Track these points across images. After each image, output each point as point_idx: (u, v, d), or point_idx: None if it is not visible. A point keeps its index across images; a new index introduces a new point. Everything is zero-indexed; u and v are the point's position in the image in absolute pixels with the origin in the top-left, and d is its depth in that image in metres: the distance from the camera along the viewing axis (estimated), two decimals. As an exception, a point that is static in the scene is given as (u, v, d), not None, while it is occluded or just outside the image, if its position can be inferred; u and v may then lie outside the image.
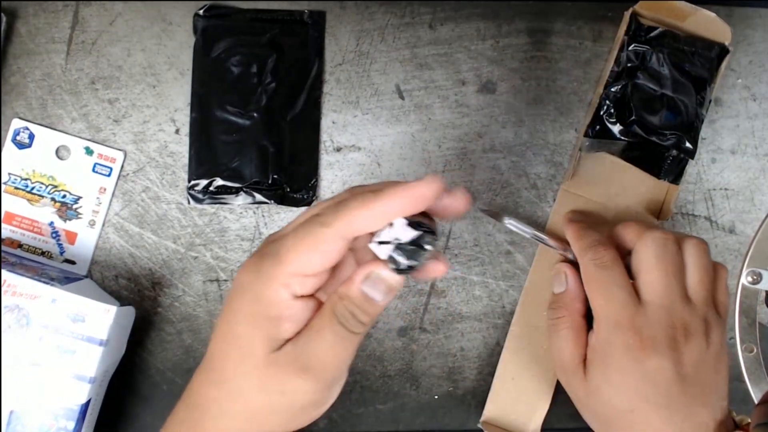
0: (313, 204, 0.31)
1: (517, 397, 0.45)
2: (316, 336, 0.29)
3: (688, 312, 0.36)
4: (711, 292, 0.37)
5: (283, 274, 0.28)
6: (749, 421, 0.36)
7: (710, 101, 0.45)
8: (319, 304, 0.30)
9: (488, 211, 0.45)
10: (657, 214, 0.45)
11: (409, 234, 0.28)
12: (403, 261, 0.28)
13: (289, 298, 0.28)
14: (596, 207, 0.45)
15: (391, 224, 0.28)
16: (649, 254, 0.37)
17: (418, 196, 0.28)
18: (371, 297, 0.29)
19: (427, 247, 0.28)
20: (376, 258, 0.29)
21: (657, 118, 0.43)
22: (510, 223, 0.44)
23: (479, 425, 0.45)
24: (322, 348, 0.29)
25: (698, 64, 0.44)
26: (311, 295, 0.30)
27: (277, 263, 0.28)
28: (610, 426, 0.37)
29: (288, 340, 0.29)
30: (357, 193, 0.29)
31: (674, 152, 0.44)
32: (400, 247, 0.28)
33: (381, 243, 0.29)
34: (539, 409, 0.45)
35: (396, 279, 0.30)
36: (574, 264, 0.41)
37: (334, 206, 0.28)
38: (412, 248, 0.28)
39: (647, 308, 0.36)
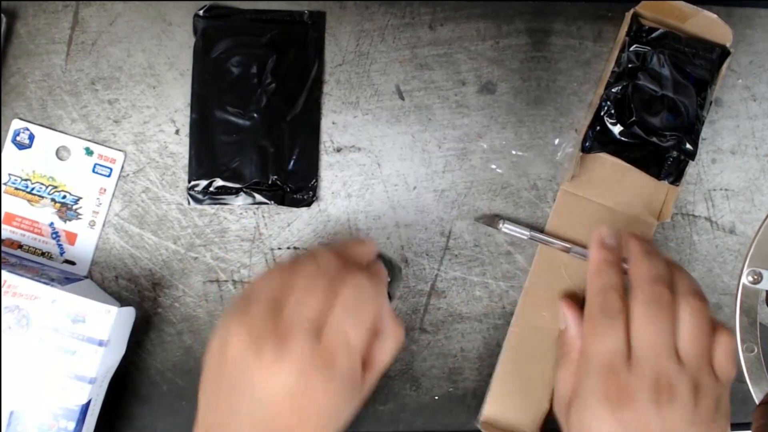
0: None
1: (516, 398, 0.45)
2: None
3: (675, 369, 0.33)
4: (706, 352, 0.34)
5: None
6: None
7: (711, 103, 0.45)
8: None
9: (484, 219, 0.46)
10: (657, 215, 0.45)
11: None
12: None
13: None
14: (596, 208, 0.45)
15: None
16: (639, 300, 0.35)
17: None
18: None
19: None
20: None
21: (657, 119, 0.43)
22: (506, 228, 0.44)
23: (478, 425, 0.45)
24: None
25: (699, 66, 0.44)
26: None
27: None
28: None
29: None
30: None
31: (674, 153, 0.44)
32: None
33: None
34: (539, 410, 0.45)
35: None
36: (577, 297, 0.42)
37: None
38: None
39: (634, 359, 0.34)
